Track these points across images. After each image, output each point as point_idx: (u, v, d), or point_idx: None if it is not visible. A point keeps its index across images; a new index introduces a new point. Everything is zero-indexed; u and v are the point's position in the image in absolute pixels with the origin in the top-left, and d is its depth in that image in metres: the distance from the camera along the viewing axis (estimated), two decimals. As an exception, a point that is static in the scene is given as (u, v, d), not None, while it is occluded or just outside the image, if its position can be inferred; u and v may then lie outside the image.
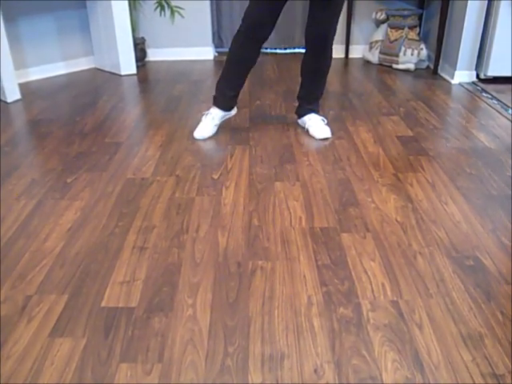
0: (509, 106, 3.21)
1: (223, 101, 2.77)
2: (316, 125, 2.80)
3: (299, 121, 2.92)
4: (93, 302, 1.56)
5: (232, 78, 2.71)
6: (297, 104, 2.93)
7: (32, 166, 2.48)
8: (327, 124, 2.84)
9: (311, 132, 2.79)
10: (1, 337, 1.43)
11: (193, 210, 2.07)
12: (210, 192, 2.20)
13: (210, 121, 2.80)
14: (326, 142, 2.70)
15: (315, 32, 2.57)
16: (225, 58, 2.72)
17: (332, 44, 2.63)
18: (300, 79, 2.83)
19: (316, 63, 2.70)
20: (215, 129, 2.82)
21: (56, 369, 1.32)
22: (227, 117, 2.86)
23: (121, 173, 2.39)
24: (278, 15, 2.48)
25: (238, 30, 2.54)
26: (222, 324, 1.46)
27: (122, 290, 1.61)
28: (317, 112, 2.87)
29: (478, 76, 3.75)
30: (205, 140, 2.76)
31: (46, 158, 2.57)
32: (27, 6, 3.78)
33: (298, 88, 2.88)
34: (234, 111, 2.88)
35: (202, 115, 2.86)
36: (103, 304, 1.55)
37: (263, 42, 2.56)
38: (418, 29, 4.17)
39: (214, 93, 2.79)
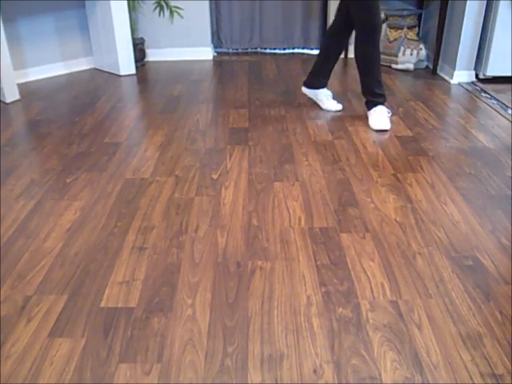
0: (508, 106, 3.21)
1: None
2: (376, 115, 2.89)
3: (367, 112, 3.02)
4: (92, 302, 1.56)
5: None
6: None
7: (31, 166, 2.48)
8: (389, 117, 2.92)
9: (369, 122, 2.91)
10: (0, 337, 1.43)
11: (192, 210, 2.07)
12: (210, 192, 2.20)
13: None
14: (325, 142, 2.70)
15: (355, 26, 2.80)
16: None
17: (376, 38, 2.77)
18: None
19: (357, 58, 2.89)
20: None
21: (55, 369, 1.32)
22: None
23: (120, 173, 2.39)
24: None
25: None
26: (222, 324, 1.46)
27: (122, 290, 1.61)
28: (382, 104, 2.93)
29: (477, 76, 3.75)
30: (204, 140, 2.76)
31: (45, 158, 2.57)
32: (26, 6, 3.78)
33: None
34: None
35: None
36: (102, 304, 1.55)
37: None
38: (417, 29, 4.17)
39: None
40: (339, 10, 2.90)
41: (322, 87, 3.16)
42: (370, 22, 2.72)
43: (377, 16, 2.73)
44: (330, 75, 3.12)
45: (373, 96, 2.92)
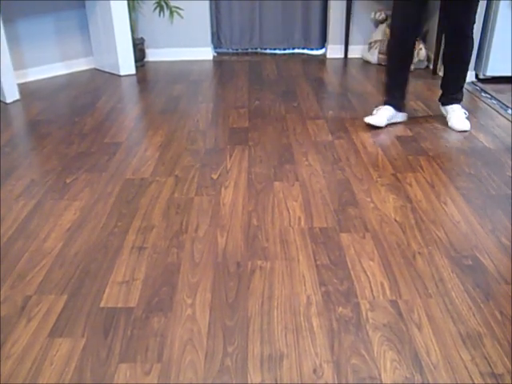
0: (508, 106, 3.21)
1: None
2: (457, 116, 2.88)
3: (441, 108, 3.04)
4: (92, 302, 1.56)
5: None
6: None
7: (31, 166, 2.48)
8: (468, 118, 2.91)
9: (450, 123, 2.88)
10: (0, 337, 1.43)
11: (192, 210, 2.07)
12: (209, 192, 2.20)
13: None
14: (325, 142, 2.70)
15: (451, 24, 2.74)
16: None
17: (471, 34, 2.73)
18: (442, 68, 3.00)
19: (454, 53, 2.83)
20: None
21: (55, 369, 1.32)
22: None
23: (120, 173, 2.39)
24: None
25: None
26: (221, 324, 1.46)
27: (121, 290, 1.61)
28: (459, 102, 2.95)
29: (477, 76, 3.75)
30: (204, 140, 2.76)
31: (45, 158, 2.57)
32: (26, 6, 3.78)
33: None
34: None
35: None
36: (102, 304, 1.55)
37: None
38: (417, 29, 4.17)
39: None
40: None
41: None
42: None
43: (394, 19, 2.80)
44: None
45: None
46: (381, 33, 4.27)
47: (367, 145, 2.67)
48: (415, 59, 4.04)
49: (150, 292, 1.60)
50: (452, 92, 2.96)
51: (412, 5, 2.65)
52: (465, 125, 2.85)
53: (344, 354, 1.36)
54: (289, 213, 2.04)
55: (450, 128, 2.87)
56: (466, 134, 2.80)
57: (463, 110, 2.93)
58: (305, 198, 2.15)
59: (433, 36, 4.03)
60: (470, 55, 2.85)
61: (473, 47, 2.82)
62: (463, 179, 2.30)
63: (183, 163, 2.48)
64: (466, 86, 3.61)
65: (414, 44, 2.86)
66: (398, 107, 2.94)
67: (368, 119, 2.88)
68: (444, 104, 3.02)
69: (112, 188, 2.25)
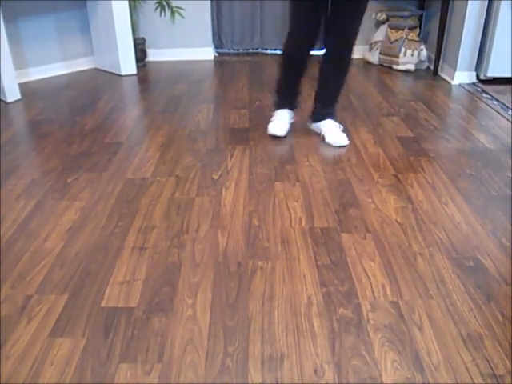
0: (509, 107, 3.21)
1: None
2: (332, 132, 2.70)
3: (313, 125, 2.82)
4: (93, 302, 1.56)
5: None
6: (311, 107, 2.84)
7: (32, 166, 2.48)
8: (343, 131, 2.76)
9: (327, 139, 2.69)
10: (1, 337, 1.43)
11: (193, 210, 2.07)
12: (210, 192, 2.20)
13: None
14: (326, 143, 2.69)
15: (334, 35, 2.55)
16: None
17: (353, 47, 2.58)
18: (317, 82, 2.76)
19: (335, 66, 2.65)
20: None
21: (56, 369, 1.32)
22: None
23: (121, 173, 2.39)
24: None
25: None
26: (222, 324, 1.46)
27: (122, 290, 1.61)
28: (333, 117, 2.77)
29: (478, 77, 3.74)
30: (205, 140, 2.75)
31: (45, 158, 2.57)
32: (27, 6, 3.78)
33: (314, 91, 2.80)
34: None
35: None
36: (103, 304, 1.55)
37: None
38: (418, 30, 4.17)
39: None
40: None
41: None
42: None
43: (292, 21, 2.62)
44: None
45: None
46: (382, 33, 4.27)
47: (368, 145, 2.66)
48: (416, 60, 4.04)
49: (150, 292, 1.60)
50: (326, 106, 2.77)
51: (311, 8, 2.48)
52: (342, 140, 2.67)
53: (345, 355, 1.35)
54: (290, 213, 2.03)
55: (327, 144, 2.68)
56: (460, 135, 2.80)
57: (336, 124, 2.75)
58: (306, 198, 2.15)
59: (434, 37, 4.03)
60: (348, 69, 2.67)
61: (350, 61, 2.64)
62: (464, 180, 2.30)
63: (184, 163, 2.48)
64: (466, 86, 3.62)
65: (311, 48, 2.59)
66: (294, 106, 2.83)
67: (273, 131, 2.75)
68: (316, 121, 2.79)
69: (113, 188, 2.25)
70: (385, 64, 4.25)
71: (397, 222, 1.97)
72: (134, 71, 4.09)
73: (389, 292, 1.59)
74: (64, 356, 1.36)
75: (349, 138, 2.74)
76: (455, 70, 3.72)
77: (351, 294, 1.58)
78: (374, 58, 4.31)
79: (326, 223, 1.96)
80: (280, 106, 2.81)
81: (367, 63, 4.39)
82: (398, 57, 4.10)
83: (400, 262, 1.73)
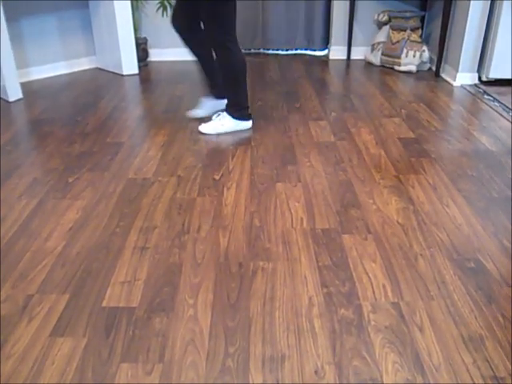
0: (510, 109, 3.21)
1: None
2: (212, 122, 2.85)
3: (211, 102, 3.00)
4: (94, 302, 1.56)
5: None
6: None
7: (33, 165, 2.48)
8: (226, 131, 2.84)
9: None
10: (1, 336, 1.43)
11: (194, 210, 2.07)
12: (212, 192, 2.20)
13: None
14: (328, 143, 2.69)
15: (205, 31, 2.64)
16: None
17: (222, 49, 2.60)
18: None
19: (220, 65, 2.71)
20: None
21: (57, 368, 1.32)
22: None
23: (122, 173, 2.39)
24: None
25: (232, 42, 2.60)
26: (223, 324, 1.46)
27: (123, 289, 1.61)
28: (229, 113, 2.83)
29: (479, 78, 3.74)
30: (206, 140, 2.76)
31: (47, 157, 2.57)
32: (29, 5, 3.79)
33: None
34: None
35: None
36: (104, 304, 1.55)
37: None
38: (420, 31, 4.17)
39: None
40: None
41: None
42: None
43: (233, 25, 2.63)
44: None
45: None
46: (384, 34, 4.27)
47: (369, 146, 2.66)
48: (418, 61, 4.04)
49: (151, 292, 1.60)
50: (222, 97, 2.91)
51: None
52: (206, 127, 2.83)
53: (346, 356, 1.35)
54: (291, 214, 2.03)
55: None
56: (462, 136, 2.80)
57: (223, 122, 2.82)
58: (307, 199, 2.15)
59: (436, 38, 4.03)
60: (234, 70, 2.67)
61: (235, 60, 2.63)
62: (465, 181, 2.30)
63: (185, 163, 2.48)
64: (468, 88, 3.62)
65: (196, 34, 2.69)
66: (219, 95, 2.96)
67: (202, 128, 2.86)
68: (217, 98, 2.97)
69: (114, 188, 2.25)
70: (387, 65, 4.25)
71: (398, 222, 1.97)
72: (136, 71, 4.09)
73: (390, 293, 1.59)
74: (65, 356, 1.36)
75: (351, 139, 2.74)
76: (457, 71, 3.72)
77: (352, 295, 1.58)
78: (376, 58, 4.31)
79: (327, 224, 1.96)
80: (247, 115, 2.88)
81: (369, 64, 4.40)
82: (399, 58, 4.10)
83: (401, 263, 1.73)
